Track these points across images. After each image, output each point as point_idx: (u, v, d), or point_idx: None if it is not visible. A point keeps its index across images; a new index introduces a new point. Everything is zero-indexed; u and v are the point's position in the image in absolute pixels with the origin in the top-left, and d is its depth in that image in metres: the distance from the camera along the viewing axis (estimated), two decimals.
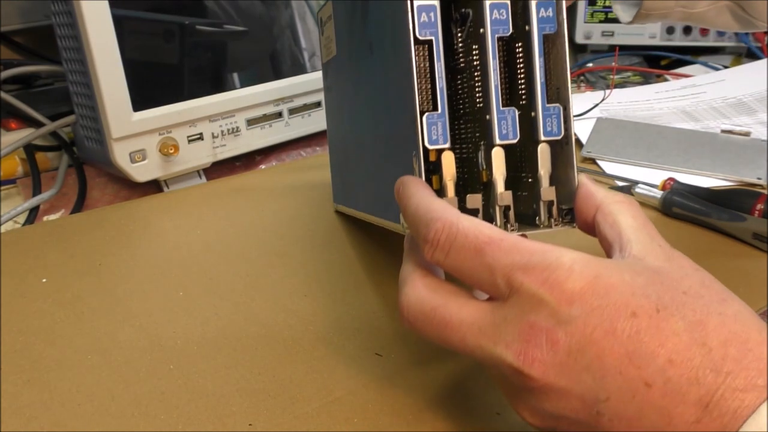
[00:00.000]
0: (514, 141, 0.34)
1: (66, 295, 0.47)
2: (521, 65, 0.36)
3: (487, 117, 0.35)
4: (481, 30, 0.34)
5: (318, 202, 0.61)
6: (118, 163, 0.62)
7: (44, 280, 0.49)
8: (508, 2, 0.34)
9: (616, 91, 0.90)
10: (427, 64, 0.34)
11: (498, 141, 0.34)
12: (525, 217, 0.36)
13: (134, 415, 0.37)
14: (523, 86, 0.36)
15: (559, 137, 0.35)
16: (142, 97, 0.62)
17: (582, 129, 0.77)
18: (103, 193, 0.68)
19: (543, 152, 0.35)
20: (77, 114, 0.66)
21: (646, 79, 1.02)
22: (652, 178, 0.65)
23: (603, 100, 0.84)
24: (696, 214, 0.57)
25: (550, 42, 0.35)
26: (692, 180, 0.65)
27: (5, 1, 0.77)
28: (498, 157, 0.34)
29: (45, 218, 0.63)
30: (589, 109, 0.81)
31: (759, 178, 0.66)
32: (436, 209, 0.31)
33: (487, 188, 0.35)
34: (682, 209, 0.58)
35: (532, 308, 0.28)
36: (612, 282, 0.28)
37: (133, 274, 0.51)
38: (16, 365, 0.41)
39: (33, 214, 0.63)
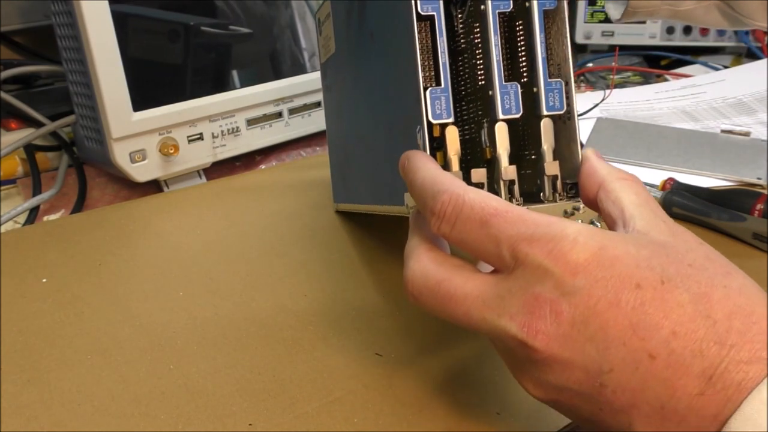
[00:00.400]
0: (517, 115, 0.35)
1: (66, 295, 0.47)
2: (522, 43, 0.36)
3: (490, 93, 0.35)
4: (482, 7, 0.35)
5: (318, 202, 0.61)
6: (118, 163, 0.62)
7: (44, 280, 0.49)
8: None
9: (616, 91, 0.90)
10: (430, 43, 0.35)
11: (501, 116, 0.34)
12: (530, 195, 0.36)
13: (134, 414, 0.37)
14: (524, 64, 0.36)
15: (562, 111, 0.35)
16: (142, 97, 0.62)
17: (582, 129, 0.77)
18: (103, 193, 0.68)
19: (546, 127, 0.35)
20: (77, 114, 0.66)
21: (646, 79, 1.02)
22: (652, 178, 0.65)
23: (603, 100, 0.84)
24: (696, 214, 0.57)
25: (550, 18, 0.35)
26: (692, 180, 0.64)
27: (5, 1, 0.77)
28: (501, 132, 0.35)
29: (45, 218, 0.63)
30: (589, 109, 0.81)
31: (759, 178, 0.66)
32: (443, 181, 0.31)
33: (491, 165, 0.35)
34: (682, 209, 0.58)
35: (536, 280, 0.28)
36: (617, 253, 0.28)
37: (133, 274, 0.51)
38: (16, 365, 0.41)
39: (33, 214, 0.63)
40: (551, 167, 0.35)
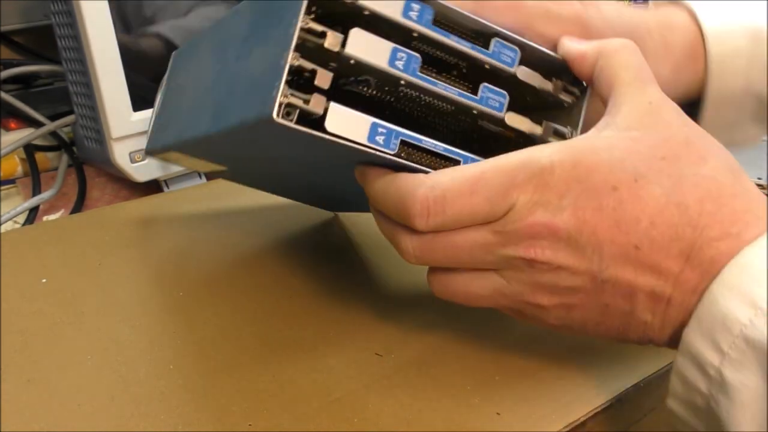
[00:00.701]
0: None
1: (66, 296, 0.47)
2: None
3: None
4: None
5: None
6: (118, 163, 0.62)
7: (44, 281, 0.49)
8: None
9: None
10: None
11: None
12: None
13: (134, 415, 0.37)
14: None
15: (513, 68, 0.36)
16: (142, 97, 0.62)
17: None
18: (103, 193, 0.68)
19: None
20: (77, 114, 0.66)
21: None
22: None
23: None
24: None
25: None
26: None
27: (5, 1, 0.77)
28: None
29: (45, 218, 0.63)
30: None
31: (759, 178, 0.66)
32: (405, 184, 0.33)
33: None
34: None
35: (529, 212, 0.31)
36: (590, 164, 0.31)
37: (133, 274, 0.51)
38: (16, 365, 0.41)
39: (33, 214, 0.63)
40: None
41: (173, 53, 0.52)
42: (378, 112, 0.34)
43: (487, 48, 0.35)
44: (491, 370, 0.40)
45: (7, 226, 0.61)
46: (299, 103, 0.31)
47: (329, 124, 0.32)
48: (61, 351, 0.42)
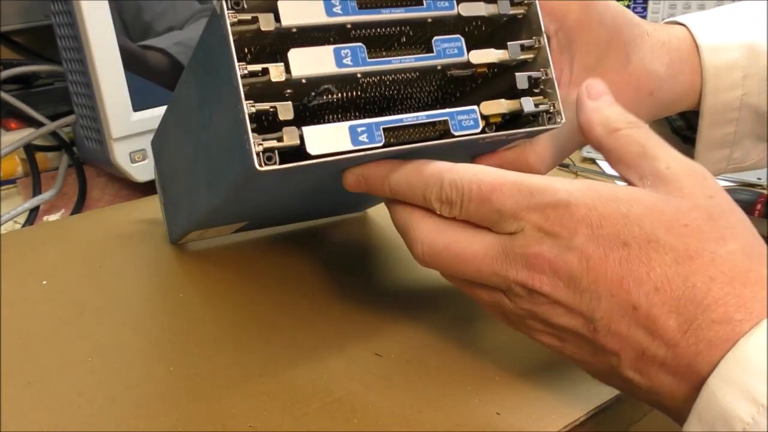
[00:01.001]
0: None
1: (66, 297, 0.47)
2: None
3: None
4: None
5: None
6: (118, 163, 0.62)
7: (44, 282, 0.49)
8: None
9: None
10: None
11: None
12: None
13: (134, 417, 0.37)
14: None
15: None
16: (142, 97, 0.62)
17: None
18: (104, 193, 0.68)
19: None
20: (77, 114, 0.66)
21: None
22: None
23: None
24: None
25: None
26: None
27: (5, 1, 0.77)
28: None
29: (45, 218, 0.64)
30: None
31: (759, 179, 0.66)
32: (432, 169, 0.34)
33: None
34: None
35: (536, 241, 0.31)
36: (605, 213, 0.31)
37: (134, 275, 0.51)
38: (16, 367, 0.41)
39: (33, 215, 0.63)
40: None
41: (151, 141, 0.53)
42: (355, 110, 0.34)
43: (421, 3, 0.35)
44: (491, 370, 0.40)
45: (8, 227, 0.62)
46: (274, 144, 0.31)
47: (310, 148, 0.32)
48: (62, 352, 0.42)
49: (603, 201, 0.31)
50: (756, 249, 0.31)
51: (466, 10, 0.36)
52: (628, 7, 0.62)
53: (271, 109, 0.32)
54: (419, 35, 0.36)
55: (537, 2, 0.37)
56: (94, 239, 0.55)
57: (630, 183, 0.34)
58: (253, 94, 0.31)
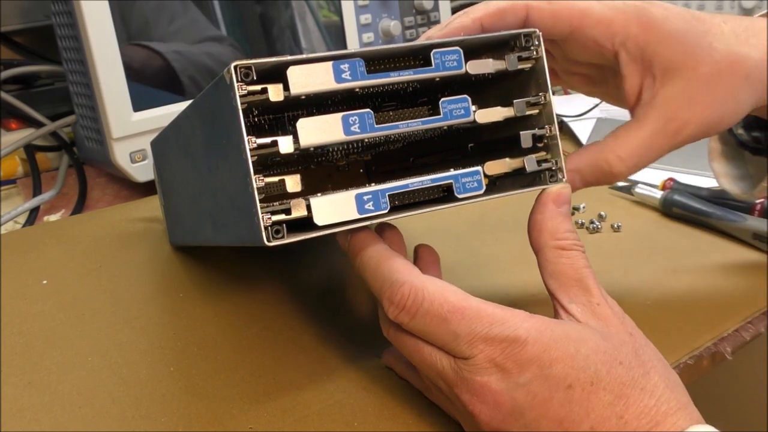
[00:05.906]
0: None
1: (66, 297, 0.47)
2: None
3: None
4: None
5: None
6: (118, 163, 0.62)
7: (44, 282, 0.49)
8: None
9: None
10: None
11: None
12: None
13: (135, 417, 0.37)
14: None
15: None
16: (142, 97, 0.62)
17: (582, 129, 0.77)
18: (104, 193, 0.68)
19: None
20: (77, 114, 0.66)
21: None
22: (652, 178, 0.65)
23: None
24: (696, 214, 0.57)
25: None
26: (692, 180, 0.64)
27: (5, 1, 0.77)
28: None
29: (45, 219, 0.63)
30: (589, 110, 0.81)
31: None
32: (399, 269, 0.34)
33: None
34: (682, 209, 0.58)
35: (486, 371, 0.32)
36: (557, 355, 0.32)
37: (134, 275, 0.51)
38: (17, 367, 0.41)
39: (33, 215, 0.63)
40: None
41: (151, 142, 0.53)
42: (365, 165, 0.34)
43: (430, 63, 0.35)
44: None
45: (8, 227, 0.61)
46: (282, 217, 0.31)
47: (318, 219, 0.32)
48: (62, 353, 0.42)
49: (556, 341, 0.32)
50: (671, 378, 0.33)
51: (473, 68, 0.36)
52: None
53: (280, 179, 0.32)
54: (428, 89, 0.37)
55: (544, 57, 0.37)
56: (94, 239, 0.55)
57: (556, 300, 0.35)
58: (261, 162, 0.31)
